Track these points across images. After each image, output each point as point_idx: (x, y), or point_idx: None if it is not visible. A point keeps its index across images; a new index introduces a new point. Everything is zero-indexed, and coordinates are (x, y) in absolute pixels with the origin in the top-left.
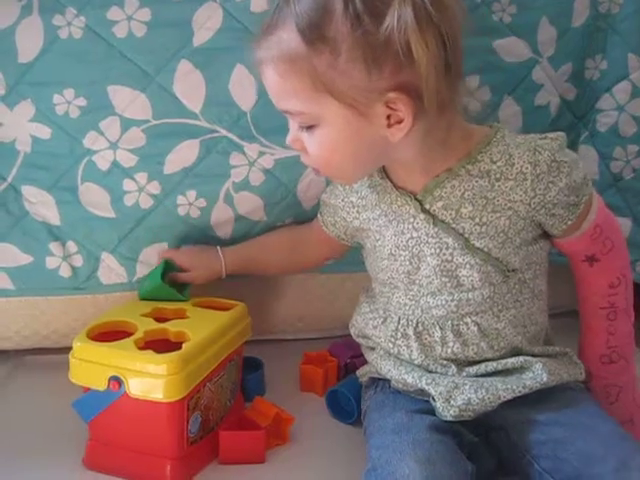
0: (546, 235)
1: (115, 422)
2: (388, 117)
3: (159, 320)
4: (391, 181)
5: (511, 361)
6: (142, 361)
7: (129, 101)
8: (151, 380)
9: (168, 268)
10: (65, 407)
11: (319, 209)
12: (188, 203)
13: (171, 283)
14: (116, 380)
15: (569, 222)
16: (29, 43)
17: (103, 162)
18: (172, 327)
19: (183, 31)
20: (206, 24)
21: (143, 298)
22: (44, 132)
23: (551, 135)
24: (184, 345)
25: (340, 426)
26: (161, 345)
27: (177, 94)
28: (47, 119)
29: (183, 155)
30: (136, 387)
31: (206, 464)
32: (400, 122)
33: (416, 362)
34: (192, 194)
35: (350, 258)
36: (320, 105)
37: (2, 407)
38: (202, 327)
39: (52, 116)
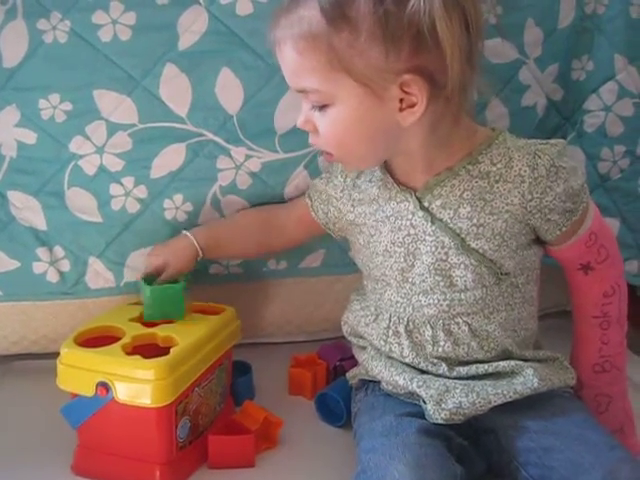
0: (540, 241)
1: (103, 427)
2: (401, 100)
3: (147, 325)
4: (392, 177)
5: (502, 364)
6: (129, 366)
7: (115, 105)
8: (139, 385)
9: (149, 281)
10: (54, 413)
11: (307, 192)
12: (175, 207)
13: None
14: (104, 386)
15: (563, 229)
16: (14, 48)
17: (89, 167)
18: (160, 332)
19: (168, 35)
20: (191, 27)
21: (152, 319)
22: (30, 137)
23: (552, 141)
24: (172, 350)
25: (329, 429)
26: (150, 350)
27: (163, 98)
28: (33, 124)
29: (170, 159)
30: (124, 392)
31: (195, 469)
32: (412, 106)
33: (407, 360)
34: (179, 198)
35: (339, 260)
36: (336, 83)
37: None
38: (190, 332)
39: (38, 121)
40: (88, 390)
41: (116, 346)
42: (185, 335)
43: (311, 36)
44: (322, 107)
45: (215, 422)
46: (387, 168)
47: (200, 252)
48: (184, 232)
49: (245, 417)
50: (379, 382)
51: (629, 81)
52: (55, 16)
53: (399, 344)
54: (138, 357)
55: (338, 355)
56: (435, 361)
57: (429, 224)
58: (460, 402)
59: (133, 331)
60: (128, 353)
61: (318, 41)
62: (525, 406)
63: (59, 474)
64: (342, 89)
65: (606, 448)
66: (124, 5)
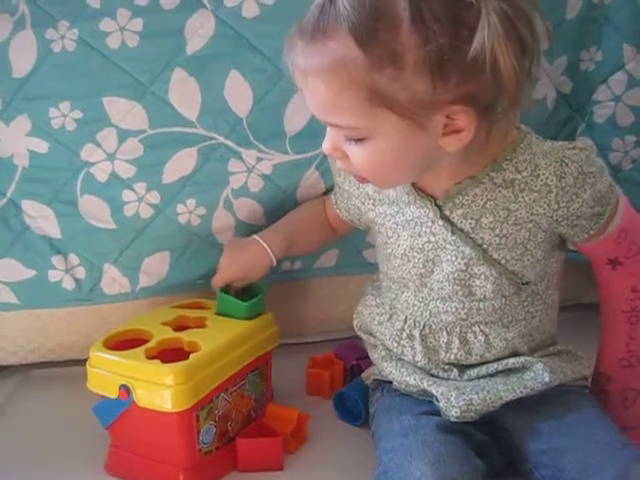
0: (563, 246)
1: (131, 429)
2: (445, 126)
3: (179, 329)
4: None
5: (512, 361)
6: (147, 371)
7: (125, 112)
8: (157, 390)
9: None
10: (74, 419)
11: (333, 189)
12: (188, 211)
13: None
14: (125, 389)
15: (591, 232)
16: (23, 58)
17: (101, 174)
18: (186, 337)
19: (176, 39)
20: (199, 31)
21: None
22: (41, 146)
23: (580, 144)
24: (192, 355)
25: (352, 428)
26: (176, 354)
27: (173, 103)
28: (44, 133)
29: (181, 164)
30: (143, 396)
31: (224, 474)
32: (458, 132)
33: (419, 364)
34: (192, 202)
35: (352, 260)
36: (375, 119)
37: (11, 421)
38: (216, 337)
39: (49, 130)
40: (112, 392)
41: (139, 350)
42: (210, 340)
43: (347, 71)
44: (358, 140)
45: (248, 427)
46: None
47: (274, 261)
48: (258, 239)
49: (273, 419)
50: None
51: (638, 70)
52: (63, 25)
53: (412, 348)
54: (157, 362)
55: (355, 354)
56: (446, 367)
57: (449, 234)
58: (471, 399)
59: (160, 335)
60: (152, 357)
61: (357, 78)
62: (537, 404)
63: (91, 475)
64: (382, 124)
65: (618, 447)
66: (131, 12)
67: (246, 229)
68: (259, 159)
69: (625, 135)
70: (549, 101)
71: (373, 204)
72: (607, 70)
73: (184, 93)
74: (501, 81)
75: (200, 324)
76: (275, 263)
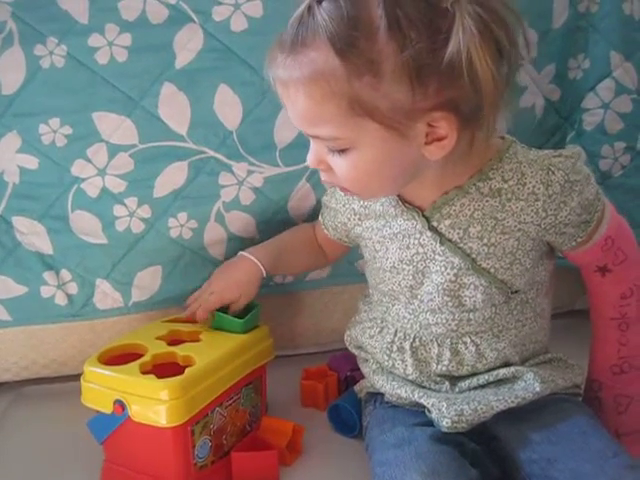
0: (551, 254)
1: (125, 444)
2: (427, 134)
3: (173, 343)
4: (397, 195)
5: (503, 372)
6: (142, 386)
7: (115, 127)
8: (151, 405)
9: (223, 310)
10: (69, 435)
11: (321, 210)
12: (180, 225)
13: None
14: (120, 404)
15: (579, 239)
16: (12, 74)
17: (92, 189)
18: (180, 351)
19: (165, 54)
20: (187, 45)
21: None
22: (32, 162)
23: (565, 153)
24: (187, 370)
25: (347, 440)
26: (170, 369)
27: (162, 117)
28: (34, 149)
29: (172, 177)
30: (138, 411)
31: None
32: (440, 139)
33: (410, 378)
34: (183, 216)
35: (344, 270)
36: (357, 129)
37: (5, 438)
38: (210, 351)
39: (39, 146)
40: (107, 407)
41: (134, 365)
42: (204, 355)
43: (327, 81)
44: (341, 151)
45: (243, 441)
46: None
47: (264, 273)
48: (246, 254)
49: (268, 432)
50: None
51: (626, 77)
52: (51, 41)
53: (403, 361)
54: (152, 377)
55: (348, 365)
56: (438, 379)
57: (437, 244)
58: (462, 409)
59: (155, 349)
60: (146, 372)
61: (336, 87)
62: (528, 413)
63: None
64: (363, 133)
65: (609, 456)
66: (119, 27)
67: (238, 242)
68: (250, 172)
69: (614, 142)
70: (538, 109)
71: (359, 219)
72: (595, 78)
73: (174, 107)
74: (479, 85)
75: (194, 338)
76: (265, 274)
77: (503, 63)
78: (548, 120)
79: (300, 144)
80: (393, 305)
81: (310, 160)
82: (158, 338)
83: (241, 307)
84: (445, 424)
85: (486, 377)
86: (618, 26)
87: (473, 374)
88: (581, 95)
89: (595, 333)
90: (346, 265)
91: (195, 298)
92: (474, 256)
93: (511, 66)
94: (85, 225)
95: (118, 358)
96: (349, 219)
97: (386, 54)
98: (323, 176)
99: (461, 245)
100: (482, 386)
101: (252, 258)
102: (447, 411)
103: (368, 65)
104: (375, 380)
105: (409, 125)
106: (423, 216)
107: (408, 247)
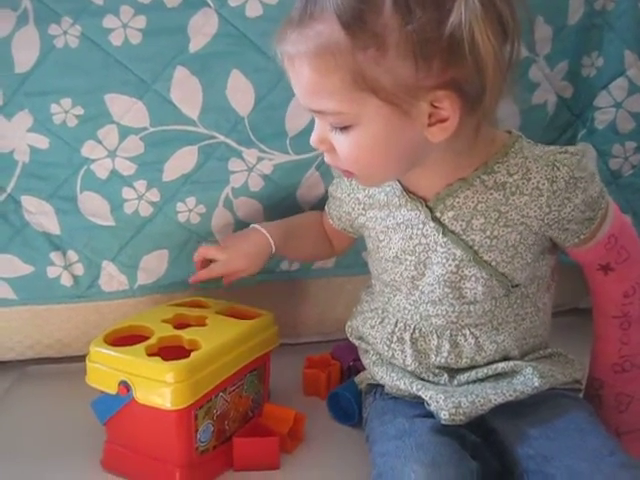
0: (553, 249)
1: (128, 426)
2: (429, 115)
3: (179, 326)
4: (401, 184)
5: (502, 365)
6: (148, 368)
7: (126, 109)
8: (156, 387)
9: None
10: (71, 415)
11: (327, 200)
12: (188, 210)
13: None
14: (125, 385)
15: (582, 236)
16: (25, 53)
17: (102, 171)
18: (186, 335)
19: (179, 38)
20: (202, 30)
21: None
22: (42, 142)
23: (571, 149)
24: (193, 354)
25: (348, 429)
26: (176, 352)
27: (174, 101)
28: (45, 129)
29: (182, 162)
30: (143, 393)
31: (221, 472)
32: (443, 121)
33: (409, 369)
34: (192, 200)
35: (350, 261)
36: (360, 104)
37: (8, 417)
38: (216, 336)
39: (50, 126)
40: (111, 388)
41: (140, 347)
42: (210, 339)
43: (332, 54)
44: (343, 128)
45: (245, 427)
46: None
47: (274, 248)
48: (258, 227)
49: (270, 419)
50: None
51: (639, 77)
52: (66, 21)
53: (402, 351)
54: (158, 359)
55: (351, 355)
56: (437, 371)
57: (440, 235)
58: (459, 402)
59: (161, 332)
60: (152, 354)
61: (340, 59)
62: (526, 408)
63: (87, 470)
64: (367, 109)
65: (605, 454)
66: (134, 9)
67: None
68: (260, 158)
69: (625, 141)
70: (550, 106)
71: (363, 209)
72: (608, 76)
73: (186, 91)
74: (481, 63)
75: (200, 322)
76: (274, 250)
77: (506, 42)
78: (560, 117)
79: (311, 132)
80: (394, 296)
81: (313, 139)
82: (164, 321)
83: (249, 276)
84: (443, 416)
85: (485, 371)
86: (633, 25)
87: (472, 367)
88: (594, 93)
89: (597, 331)
90: (353, 255)
91: (201, 258)
92: (476, 248)
93: (514, 47)
94: (93, 207)
95: (124, 339)
96: (353, 209)
97: (391, 28)
98: (326, 157)
99: (463, 237)
100: (481, 380)
101: (264, 231)
102: (445, 403)
103: (373, 38)
104: (375, 372)
105: (412, 103)
106: (427, 207)
107: (411, 237)
